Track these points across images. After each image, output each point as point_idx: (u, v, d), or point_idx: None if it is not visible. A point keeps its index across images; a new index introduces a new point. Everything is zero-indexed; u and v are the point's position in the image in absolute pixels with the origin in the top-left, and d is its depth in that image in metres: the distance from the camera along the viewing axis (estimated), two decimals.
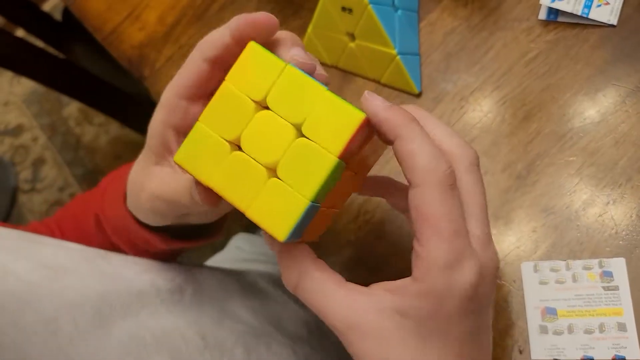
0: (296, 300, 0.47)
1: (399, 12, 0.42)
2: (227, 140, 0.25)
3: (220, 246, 0.77)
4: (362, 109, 0.25)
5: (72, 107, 1.59)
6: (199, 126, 0.26)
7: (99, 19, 0.59)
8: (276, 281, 0.50)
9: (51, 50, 1.15)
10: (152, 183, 0.32)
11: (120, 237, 0.39)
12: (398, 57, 0.41)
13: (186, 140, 0.26)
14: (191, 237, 0.38)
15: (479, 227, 0.27)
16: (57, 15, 1.26)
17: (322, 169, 0.24)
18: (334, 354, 0.45)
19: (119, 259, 0.37)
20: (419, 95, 0.43)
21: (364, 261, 0.41)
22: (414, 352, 0.26)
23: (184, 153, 0.26)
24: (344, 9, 0.41)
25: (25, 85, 1.66)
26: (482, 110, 0.41)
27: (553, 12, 0.41)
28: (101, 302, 0.31)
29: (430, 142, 0.25)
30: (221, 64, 0.29)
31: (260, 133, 0.25)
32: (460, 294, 0.25)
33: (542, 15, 0.42)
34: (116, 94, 1.15)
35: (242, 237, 0.75)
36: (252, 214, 0.25)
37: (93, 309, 0.31)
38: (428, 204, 0.25)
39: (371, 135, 0.27)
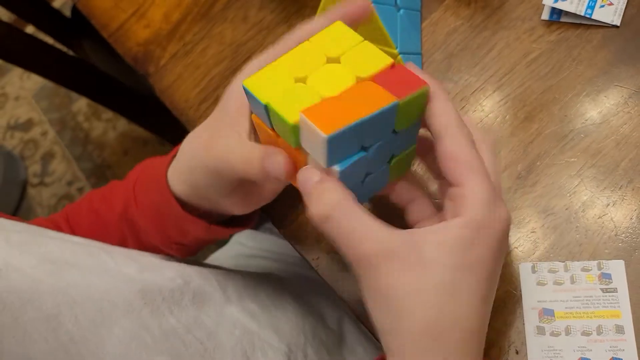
0: (295, 307, 0.47)
1: (401, 11, 0.42)
2: (294, 78, 0.29)
3: (223, 241, 0.78)
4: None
5: (81, 103, 1.60)
6: (271, 64, 0.29)
7: (106, 16, 0.59)
8: (278, 283, 0.50)
9: (60, 46, 1.16)
10: (221, 144, 0.33)
11: (155, 227, 0.39)
12: (400, 56, 0.41)
13: (257, 73, 0.29)
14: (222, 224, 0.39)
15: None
16: (67, 12, 1.27)
17: (379, 103, 0.27)
18: None
19: (123, 255, 0.37)
20: None
21: None
22: (448, 286, 0.26)
23: (254, 80, 0.29)
24: None
25: (35, 80, 1.67)
26: (484, 110, 0.41)
27: (556, 12, 0.41)
28: (103, 300, 0.32)
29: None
30: None
31: (325, 78, 0.28)
32: (500, 226, 0.28)
33: (545, 15, 0.41)
34: (124, 91, 1.15)
35: (244, 233, 0.75)
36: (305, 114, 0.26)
37: (95, 306, 0.31)
38: (464, 150, 0.28)
39: None
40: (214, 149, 0.33)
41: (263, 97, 0.28)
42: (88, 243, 0.37)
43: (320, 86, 0.28)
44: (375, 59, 0.29)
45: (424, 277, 0.26)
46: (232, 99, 0.34)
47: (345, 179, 0.28)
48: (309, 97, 0.27)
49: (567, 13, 0.40)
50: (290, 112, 0.27)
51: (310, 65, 0.29)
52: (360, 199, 0.31)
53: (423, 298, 0.26)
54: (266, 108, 0.28)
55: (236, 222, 0.41)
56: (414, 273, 0.26)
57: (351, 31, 0.30)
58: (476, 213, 0.27)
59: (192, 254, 0.43)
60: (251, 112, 0.32)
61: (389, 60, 0.29)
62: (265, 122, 0.30)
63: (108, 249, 0.37)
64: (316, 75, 0.29)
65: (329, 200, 0.27)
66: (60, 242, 0.34)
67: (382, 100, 0.27)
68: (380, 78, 0.28)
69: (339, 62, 0.29)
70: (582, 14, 0.40)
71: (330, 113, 0.26)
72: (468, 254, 0.27)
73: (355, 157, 0.28)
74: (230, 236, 0.77)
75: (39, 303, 0.28)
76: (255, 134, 0.33)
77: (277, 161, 0.29)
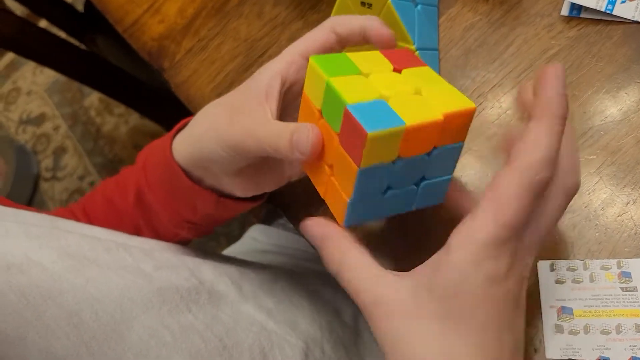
0: (310, 302, 0.47)
1: (419, 7, 0.42)
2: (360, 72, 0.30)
3: (236, 237, 0.78)
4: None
5: (93, 97, 1.61)
6: (343, 54, 0.31)
7: (120, 11, 0.59)
8: (292, 279, 0.50)
9: (73, 41, 1.16)
10: (246, 118, 0.33)
11: (166, 205, 0.39)
12: (417, 52, 0.41)
13: (325, 55, 0.30)
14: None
15: (535, 236, 0.28)
16: (79, 7, 1.28)
17: (423, 116, 0.27)
18: (345, 358, 0.45)
19: (139, 251, 0.37)
20: None
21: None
22: (436, 335, 0.26)
23: (320, 59, 0.30)
24: (363, 3, 0.41)
25: (48, 75, 1.68)
26: (501, 107, 0.41)
27: (576, 8, 0.41)
28: (122, 297, 0.32)
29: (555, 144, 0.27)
30: (344, 43, 0.34)
31: (386, 79, 0.30)
32: (490, 273, 0.25)
33: (565, 11, 0.41)
34: (136, 85, 1.16)
35: (257, 229, 0.76)
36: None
37: (114, 303, 0.31)
38: (507, 184, 0.26)
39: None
40: (239, 122, 0.33)
41: (327, 75, 0.29)
42: (105, 237, 0.37)
43: (379, 83, 0.29)
44: (458, 101, 0.29)
45: (415, 325, 0.27)
46: (263, 80, 0.34)
47: (364, 180, 0.28)
48: (369, 90, 0.28)
49: (587, 9, 0.40)
50: (348, 95, 0.27)
51: (376, 66, 0.30)
52: (380, 214, 0.30)
53: (415, 347, 0.26)
54: (327, 84, 0.28)
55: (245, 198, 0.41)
56: (407, 322, 0.27)
57: (438, 76, 0.31)
58: (471, 250, 0.26)
59: (203, 233, 0.43)
60: (285, 92, 0.33)
61: (471, 106, 0.28)
62: (314, 101, 0.30)
63: (125, 244, 0.37)
64: (379, 74, 0.30)
65: (336, 257, 0.30)
66: (78, 236, 0.34)
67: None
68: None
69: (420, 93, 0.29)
70: (603, 9, 0.39)
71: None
72: (450, 300, 0.26)
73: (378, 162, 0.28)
74: (243, 232, 0.78)
75: (60, 300, 0.29)
76: (281, 116, 0.33)
77: (308, 135, 0.29)
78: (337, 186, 0.29)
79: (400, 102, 0.28)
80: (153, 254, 0.38)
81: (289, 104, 0.36)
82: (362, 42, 0.34)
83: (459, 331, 0.26)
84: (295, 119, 0.33)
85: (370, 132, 0.25)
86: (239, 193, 0.38)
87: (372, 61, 0.31)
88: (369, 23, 0.33)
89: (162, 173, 0.39)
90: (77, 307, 0.29)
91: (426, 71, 0.31)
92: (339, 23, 0.33)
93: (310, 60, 0.30)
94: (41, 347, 0.27)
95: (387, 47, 0.33)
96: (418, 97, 0.29)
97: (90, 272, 0.32)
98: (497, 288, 0.26)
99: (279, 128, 0.31)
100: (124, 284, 0.33)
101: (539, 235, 0.28)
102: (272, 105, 0.33)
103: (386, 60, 0.31)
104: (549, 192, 0.28)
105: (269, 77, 0.34)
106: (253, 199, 0.40)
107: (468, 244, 0.26)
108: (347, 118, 0.27)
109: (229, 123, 0.33)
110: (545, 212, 0.28)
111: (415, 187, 0.30)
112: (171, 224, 0.41)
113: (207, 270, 0.40)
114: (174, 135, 0.38)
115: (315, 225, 0.31)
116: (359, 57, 0.31)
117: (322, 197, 0.31)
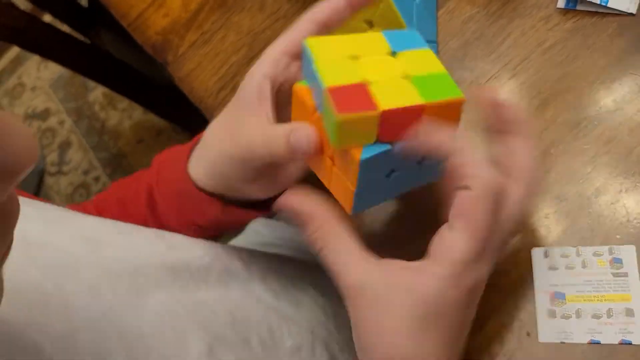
0: (315, 288, 0.48)
1: (417, 0, 0.43)
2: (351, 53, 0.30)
3: (239, 229, 0.79)
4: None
5: (97, 92, 1.62)
6: (337, 37, 0.31)
7: (125, 6, 0.60)
8: (298, 267, 0.51)
9: (77, 35, 1.17)
10: (244, 131, 0.33)
11: (172, 209, 0.40)
12: None
13: (320, 38, 0.31)
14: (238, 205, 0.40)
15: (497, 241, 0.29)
16: (83, 1, 1.29)
17: (406, 100, 0.27)
18: (350, 341, 0.46)
19: (151, 233, 0.38)
20: None
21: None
22: (411, 331, 0.27)
23: (314, 42, 0.30)
24: None
25: (52, 70, 1.70)
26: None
27: (572, 0, 0.41)
28: (137, 273, 0.33)
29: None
30: (327, 27, 0.33)
31: (377, 62, 0.30)
32: (472, 284, 0.28)
33: (561, 3, 0.42)
34: (140, 79, 1.17)
35: (260, 221, 0.76)
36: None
37: (130, 278, 0.32)
38: (471, 203, 0.27)
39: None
40: (238, 138, 0.33)
41: (315, 57, 0.29)
42: (117, 223, 0.38)
43: (369, 68, 0.29)
44: (432, 63, 0.29)
45: (388, 317, 0.28)
46: (252, 86, 0.34)
47: (366, 170, 0.28)
48: (353, 73, 0.28)
49: (583, 1, 0.41)
50: (329, 77, 0.28)
51: (371, 51, 0.30)
52: (385, 196, 0.31)
53: (385, 338, 0.28)
54: (314, 67, 0.29)
55: (255, 206, 0.42)
56: (379, 312, 0.28)
57: (437, 61, 0.31)
58: (449, 268, 0.27)
59: (211, 237, 0.44)
60: (279, 86, 0.33)
61: (443, 70, 0.29)
62: (312, 86, 0.30)
63: (137, 228, 0.38)
64: (368, 59, 0.30)
65: (319, 235, 0.29)
66: (92, 220, 0.35)
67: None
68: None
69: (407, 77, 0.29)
70: (598, 2, 0.40)
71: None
72: (434, 304, 0.27)
73: (379, 150, 0.28)
74: (246, 224, 0.79)
75: (78, 275, 0.30)
76: (279, 116, 0.33)
77: (304, 134, 0.29)
78: (341, 176, 0.30)
79: (383, 87, 0.28)
80: (165, 236, 0.39)
81: (283, 106, 0.36)
82: (345, 19, 0.34)
83: (428, 331, 0.28)
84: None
85: (340, 114, 0.26)
86: (263, 195, 0.38)
87: (368, 43, 0.31)
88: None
89: (176, 188, 0.39)
90: (95, 282, 0.30)
91: (425, 55, 0.31)
92: (314, 10, 0.33)
93: (304, 42, 0.30)
94: (63, 317, 0.28)
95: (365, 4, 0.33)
96: (403, 82, 0.29)
97: (105, 251, 0.33)
98: (470, 296, 0.28)
99: (272, 133, 0.31)
100: (138, 263, 0.34)
101: (501, 239, 0.30)
102: (267, 109, 0.33)
103: (385, 43, 0.31)
104: (515, 194, 0.29)
105: (257, 82, 0.33)
106: (264, 206, 0.41)
107: (450, 259, 0.27)
108: (326, 101, 0.27)
109: (232, 144, 0.34)
110: (504, 218, 0.29)
111: (417, 164, 0.31)
112: (180, 227, 0.41)
113: (220, 250, 0.41)
114: (190, 151, 0.39)
115: (297, 201, 0.31)
116: (355, 39, 0.31)
117: (327, 187, 0.32)
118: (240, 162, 0.34)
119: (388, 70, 0.29)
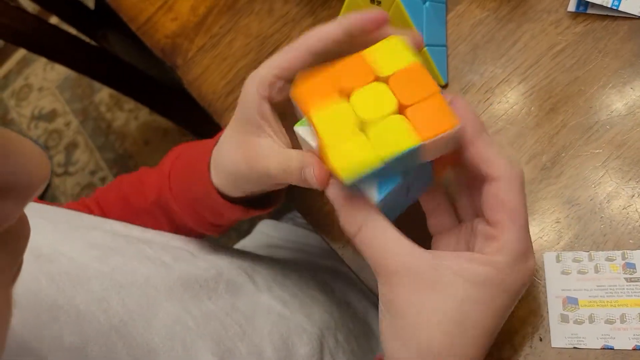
0: (322, 294, 0.48)
1: (427, 3, 0.43)
2: (340, 88, 0.29)
3: (246, 232, 0.79)
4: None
5: (103, 93, 1.63)
6: (319, 72, 0.30)
7: (134, 10, 0.60)
8: (303, 272, 0.51)
9: (84, 38, 1.18)
10: (259, 158, 0.33)
11: (190, 212, 0.40)
12: (425, 48, 0.42)
13: (304, 82, 0.30)
14: (258, 206, 0.40)
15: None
16: (90, 3, 1.29)
17: (402, 144, 0.27)
18: (357, 350, 0.46)
19: (157, 245, 0.39)
20: (445, 86, 0.44)
21: None
22: (457, 316, 0.28)
23: (301, 91, 0.29)
24: (372, 0, 0.42)
25: (59, 71, 1.70)
26: (508, 102, 0.42)
27: (582, 4, 0.41)
28: (147, 285, 0.33)
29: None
30: (324, 57, 0.31)
31: (369, 97, 0.29)
32: (522, 277, 0.29)
33: (572, 7, 0.42)
34: (146, 81, 1.17)
35: (267, 223, 0.77)
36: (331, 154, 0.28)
37: (140, 290, 0.32)
38: (516, 197, 0.28)
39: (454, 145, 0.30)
40: (254, 163, 0.33)
41: (307, 110, 0.29)
42: (126, 232, 0.38)
43: (361, 106, 0.28)
44: (423, 83, 0.28)
45: (438, 301, 0.28)
46: (252, 108, 0.33)
47: (384, 204, 0.29)
48: (346, 122, 0.28)
49: (593, 5, 0.41)
50: (329, 138, 0.28)
51: (358, 77, 0.29)
52: (401, 210, 0.32)
53: (432, 319, 0.28)
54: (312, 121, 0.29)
55: (270, 200, 0.42)
56: (429, 295, 0.28)
57: (408, 50, 0.29)
58: (505, 262, 0.28)
59: (225, 232, 0.45)
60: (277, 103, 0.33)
61: (436, 89, 0.28)
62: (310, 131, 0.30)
63: (144, 239, 0.39)
64: (362, 91, 0.29)
65: (358, 216, 0.29)
66: (101, 232, 0.35)
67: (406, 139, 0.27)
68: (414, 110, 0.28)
69: (402, 111, 0.28)
70: (609, 5, 0.40)
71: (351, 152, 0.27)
72: (483, 291, 0.28)
73: (393, 185, 0.29)
74: (253, 227, 0.79)
75: (88, 286, 0.30)
76: (287, 130, 0.34)
77: (313, 175, 0.30)
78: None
79: (379, 130, 0.28)
80: (171, 250, 0.40)
81: (284, 117, 0.35)
82: (340, 48, 0.32)
83: (476, 315, 0.28)
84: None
85: (345, 178, 0.27)
86: (282, 187, 0.38)
87: (353, 69, 0.29)
88: (346, 22, 0.31)
89: (194, 189, 0.39)
90: (105, 294, 0.30)
91: (414, 72, 0.29)
92: (312, 42, 0.31)
93: (291, 96, 0.30)
94: (73, 329, 0.28)
95: (378, 25, 0.31)
96: (398, 121, 0.28)
97: (114, 261, 0.33)
98: (521, 289, 0.30)
99: (286, 164, 0.31)
100: (148, 273, 0.34)
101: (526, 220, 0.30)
102: (274, 125, 0.33)
103: (367, 67, 0.29)
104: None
105: (256, 103, 0.33)
106: (273, 200, 0.41)
107: (503, 250, 0.28)
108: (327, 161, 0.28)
109: (247, 167, 0.34)
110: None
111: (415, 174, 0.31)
112: (194, 225, 0.42)
113: (223, 263, 0.41)
114: (209, 159, 0.39)
115: (338, 186, 0.30)
116: (340, 68, 0.29)
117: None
118: (257, 182, 0.35)
119: (380, 105, 0.28)
